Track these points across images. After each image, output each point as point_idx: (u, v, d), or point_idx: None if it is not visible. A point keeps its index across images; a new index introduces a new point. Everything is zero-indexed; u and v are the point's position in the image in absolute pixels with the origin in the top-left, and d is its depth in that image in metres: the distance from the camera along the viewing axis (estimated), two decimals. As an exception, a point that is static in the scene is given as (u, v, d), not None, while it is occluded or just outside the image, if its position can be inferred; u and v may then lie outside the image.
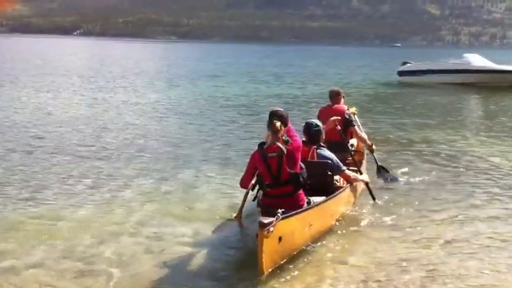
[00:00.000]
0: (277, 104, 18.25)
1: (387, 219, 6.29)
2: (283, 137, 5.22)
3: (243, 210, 5.75)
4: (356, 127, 7.98)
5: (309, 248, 5.27)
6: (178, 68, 38.45)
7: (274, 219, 4.57)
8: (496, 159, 9.79)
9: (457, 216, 6.51)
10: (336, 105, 7.90)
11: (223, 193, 7.35)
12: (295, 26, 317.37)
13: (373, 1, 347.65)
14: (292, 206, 5.15)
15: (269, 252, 4.60)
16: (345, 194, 6.26)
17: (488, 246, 5.51)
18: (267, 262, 4.61)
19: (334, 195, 5.85)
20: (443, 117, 15.96)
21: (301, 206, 5.29)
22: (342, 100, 8.01)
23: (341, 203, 6.21)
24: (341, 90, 8.16)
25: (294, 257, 5.02)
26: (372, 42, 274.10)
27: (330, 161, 6.07)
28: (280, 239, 4.70)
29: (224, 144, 10.77)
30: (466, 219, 6.40)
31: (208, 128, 12.89)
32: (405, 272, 4.84)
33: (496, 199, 7.28)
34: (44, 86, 22.47)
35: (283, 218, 4.69)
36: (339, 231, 5.84)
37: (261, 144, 5.34)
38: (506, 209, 6.82)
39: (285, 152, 5.17)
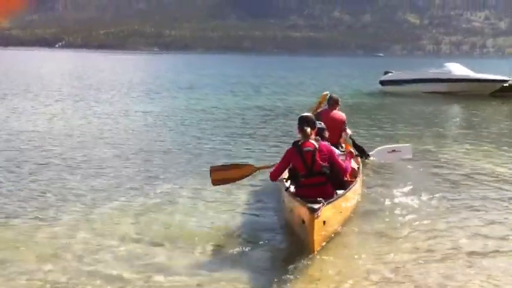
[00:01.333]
0: (257, 115, 18.19)
1: (367, 227, 6.39)
2: (313, 137, 6.22)
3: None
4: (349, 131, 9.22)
5: (340, 231, 6.11)
6: (158, 80, 38.08)
7: (321, 205, 5.31)
8: (479, 166, 9.83)
9: (439, 222, 6.53)
10: (335, 111, 8.99)
11: (202, 207, 7.23)
12: (277, 36, 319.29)
13: (354, 11, 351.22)
14: (324, 195, 5.84)
15: (318, 233, 5.35)
16: (358, 186, 7.11)
17: (468, 256, 5.46)
18: (317, 242, 5.37)
19: (352, 187, 6.63)
20: (425, 126, 15.96)
21: (331, 195, 6.05)
22: (338, 107, 9.13)
23: (356, 193, 7.03)
24: (339, 99, 9.20)
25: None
26: (354, 52, 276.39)
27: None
28: (324, 222, 5.43)
29: (199, 156, 10.61)
30: (448, 227, 6.36)
31: (183, 141, 12.63)
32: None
33: (482, 205, 7.29)
34: (25, 99, 22.13)
35: (326, 205, 5.42)
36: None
37: (296, 142, 6.21)
38: (488, 214, 6.79)
39: (317, 148, 6.11)
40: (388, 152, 8.93)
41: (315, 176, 6.10)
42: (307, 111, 7.69)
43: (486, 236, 6.15)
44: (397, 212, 7.03)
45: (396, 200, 7.52)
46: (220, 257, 5.52)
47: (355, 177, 7.21)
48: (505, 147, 12.02)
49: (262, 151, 11.35)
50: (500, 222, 6.68)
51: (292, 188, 6.31)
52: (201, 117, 17.42)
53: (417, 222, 6.60)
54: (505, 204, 7.52)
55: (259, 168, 7.20)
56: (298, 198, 5.77)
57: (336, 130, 8.59)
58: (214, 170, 7.17)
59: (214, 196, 7.67)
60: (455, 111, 22.18)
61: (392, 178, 8.94)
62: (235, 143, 12.43)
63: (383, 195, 7.76)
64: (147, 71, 53.38)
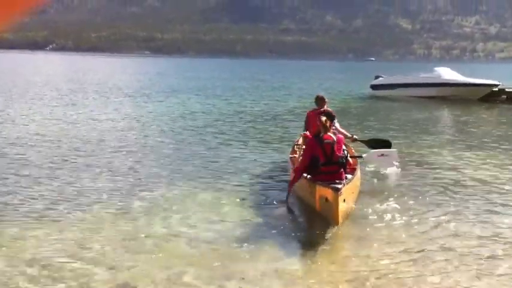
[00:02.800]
0: (244, 118, 18.11)
1: (357, 232, 6.37)
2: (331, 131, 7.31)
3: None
4: (338, 125, 9.28)
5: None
6: (146, 84, 37.72)
7: (342, 186, 6.67)
8: (469, 171, 9.86)
9: (426, 224, 6.51)
10: (323, 109, 9.20)
11: (188, 209, 7.15)
12: (269, 40, 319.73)
13: (346, 16, 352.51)
14: (339, 180, 6.96)
15: (340, 209, 6.51)
16: (359, 173, 8.11)
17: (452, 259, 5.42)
18: (340, 215, 6.51)
19: (357, 173, 7.84)
20: (416, 131, 15.99)
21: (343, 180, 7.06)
22: (326, 104, 9.54)
23: (359, 179, 8.03)
24: (325, 96, 9.79)
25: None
26: (346, 56, 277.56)
27: None
28: (344, 200, 6.63)
29: (181, 161, 10.53)
30: (435, 229, 6.34)
31: (165, 146, 12.53)
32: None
33: (471, 209, 7.25)
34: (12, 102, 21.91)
35: (345, 185, 6.77)
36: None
37: (317, 135, 7.32)
38: (477, 217, 6.76)
39: (336, 140, 7.25)
40: (378, 155, 9.17)
41: (333, 164, 7.20)
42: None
43: (478, 239, 6.16)
44: (387, 217, 6.99)
45: (385, 206, 7.48)
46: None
47: (355, 167, 8.13)
48: (495, 152, 12.04)
49: (242, 156, 11.29)
50: (490, 226, 6.67)
51: (307, 176, 7.34)
52: (175, 123, 17.03)
53: (407, 227, 6.58)
54: (497, 209, 7.50)
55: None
56: (320, 182, 6.97)
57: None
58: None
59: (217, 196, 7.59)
60: (446, 115, 22.23)
61: (382, 183, 8.93)
62: (210, 147, 12.35)
63: (372, 201, 7.72)
64: (137, 74, 52.97)
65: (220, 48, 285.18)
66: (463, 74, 28.37)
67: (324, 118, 7.32)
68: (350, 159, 7.95)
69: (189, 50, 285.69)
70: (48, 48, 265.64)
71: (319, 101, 9.61)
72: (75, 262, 5.40)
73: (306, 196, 7.45)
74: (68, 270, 5.19)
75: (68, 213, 7.05)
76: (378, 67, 78.03)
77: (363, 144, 10.35)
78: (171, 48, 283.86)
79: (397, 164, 9.48)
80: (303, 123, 9.89)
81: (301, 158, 7.70)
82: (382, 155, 9.18)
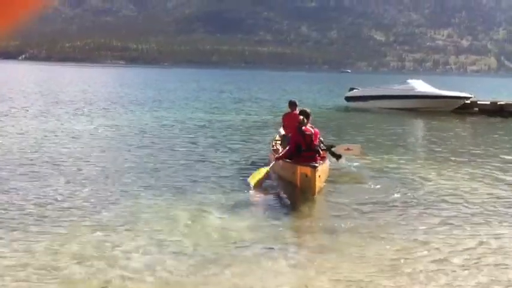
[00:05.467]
0: (218, 129, 17.99)
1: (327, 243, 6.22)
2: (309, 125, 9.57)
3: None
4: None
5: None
6: (113, 94, 37.24)
7: (318, 165, 8.83)
8: (442, 182, 9.90)
9: (397, 238, 6.46)
10: (294, 112, 11.20)
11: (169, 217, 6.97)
12: (245, 51, 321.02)
13: (321, 28, 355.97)
14: (315, 162, 9.04)
15: (317, 182, 8.59)
16: (328, 161, 10.03)
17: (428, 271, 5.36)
18: (317, 187, 8.62)
19: (327, 160, 9.87)
20: (389, 143, 16.03)
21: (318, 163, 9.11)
22: (297, 109, 11.30)
23: (328, 165, 9.91)
24: (296, 101, 12.06)
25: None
26: (321, 68, 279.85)
27: None
28: (319, 176, 8.72)
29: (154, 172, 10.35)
30: (408, 241, 6.30)
31: (130, 156, 12.37)
32: None
33: (442, 221, 7.22)
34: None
35: (320, 165, 8.95)
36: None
37: (300, 128, 9.39)
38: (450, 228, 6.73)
39: (313, 132, 9.48)
40: (344, 149, 11.09)
41: (311, 151, 9.37)
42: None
43: (448, 251, 6.12)
44: (355, 229, 6.94)
45: (354, 219, 7.45)
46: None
47: (325, 156, 10.04)
48: (467, 164, 12.11)
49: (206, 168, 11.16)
50: (459, 238, 6.68)
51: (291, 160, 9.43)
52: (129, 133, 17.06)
53: (376, 240, 6.52)
54: (468, 219, 7.54)
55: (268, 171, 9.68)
56: (301, 163, 9.06)
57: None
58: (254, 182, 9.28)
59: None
60: (418, 127, 22.43)
61: (354, 193, 8.88)
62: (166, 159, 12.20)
63: (341, 215, 7.67)
64: (106, 85, 52.43)
65: (196, 58, 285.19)
66: (435, 87, 28.72)
67: (301, 117, 9.57)
68: (321, 153, 9.79)
69: (164, 60, 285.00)
70: (20, 58, 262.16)
71: (292, 105, 11.88)
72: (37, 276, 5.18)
73: (289, 176, 9.43)
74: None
75: (35, 225, 6.83)
76: (353, 79, 78.87)
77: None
78: (146, 59, 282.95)
79: (362, 157, 11.48)
80: (271, 134, 12.46)
81: (288, 146, 9.78)
82: (348, 148, 11.20)
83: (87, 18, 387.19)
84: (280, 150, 10.40)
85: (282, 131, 11.83)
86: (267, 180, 9.62)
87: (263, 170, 9.59)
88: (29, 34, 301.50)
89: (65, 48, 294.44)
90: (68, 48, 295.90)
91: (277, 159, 9.82)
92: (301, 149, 9.34)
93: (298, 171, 8.91)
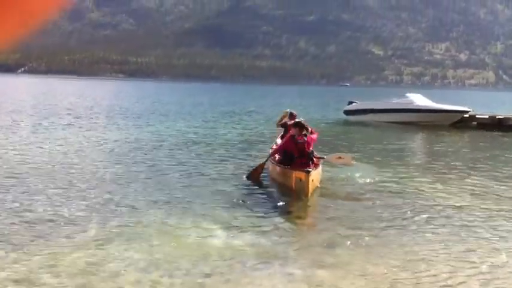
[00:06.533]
0: (214, 144, 17.94)
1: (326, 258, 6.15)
2: (304, 133, 10.45)
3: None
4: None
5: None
6: (112, 107, 37.46)
7: (311, 170, 9.76)
8: (439, 197, 9.81)
9: (396, 254, 6.39)
10: (294, 120, 12.03)
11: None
12: (244, 65, 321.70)
13: (319, 42, 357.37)
14: (309, 168, 9.88)
15: (310, 186, 9.48)
16: (321, 167, 10.83)
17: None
18: (310, 190, 9.49)
19: (319, 166, 10.71)
20: (387, 156, 15.98)
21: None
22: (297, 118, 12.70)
23: (320, 172, 10.71)
24: (295, 113, 13.84)
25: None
26: (319, 82, 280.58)
27: None
28: (312, 180, 9.59)
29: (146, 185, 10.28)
30: (408, 258, 6.24)
31: (124, 169, 12.29)
32: None
33: (438, 235, 7.16)
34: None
35: (313, 170, 9.87)
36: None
37: (293, 136, 10.43)
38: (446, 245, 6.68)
39: (305, 140, 10.32)
40: (336, 157, 12.01)
41: (304, 158, 10.28)
42: (275, 123, 14.49)
43: (448, 265, 6.06)
44: (354, 243, 6.87)
45: (353, 231, 7.39)
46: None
47: (318, 164, 10.79)
48: (465, 178, 12.07)
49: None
50: (458, 252, 6.65)
51: (284, 166, 10.42)
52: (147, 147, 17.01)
53: (375, 254, 6.46)
54: (463, 233, 7.51)
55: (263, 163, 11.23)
56: (295, 169, 9.94)
57: None
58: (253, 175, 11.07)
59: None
60: (417, 141, 22.41)
61: (353, 209, 8.84)
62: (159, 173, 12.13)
63: (341, 232, 7.61)
64: (102, 98, 52.46)
65: (195, 72, 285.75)
66: (434, 100, 28.75)
67: (297, 128, 10.55)
68: (315, 159, 10.73)
69: (163, 74, 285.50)
70: (19, 71, 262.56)
71: (290, 116, 13.64)
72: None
73: (285, 180, 10.31)
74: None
75: (31, 241, 6.75)
76: (352, 92, 79.00)
77: (333, 168, 11.82)
78: (145, 72, 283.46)
79: (350, 165, 12.16)
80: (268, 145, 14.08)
81: (278, 148, 11.14)
82: (340, 157, 12.09)
83: (87, 32, 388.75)
84: (275, 146, 12.15)
85: (279, 140, 13.20)
86: (265, 190, 10.47)
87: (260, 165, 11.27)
88: (29, 47, 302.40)
89: (65, 62, 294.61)
90: (67, 62, 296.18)
91: (272, 154, 11.32)
92: (293, 156, 10.28)
93: (293, 176, 9.83)
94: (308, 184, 9.41)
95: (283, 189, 10.21)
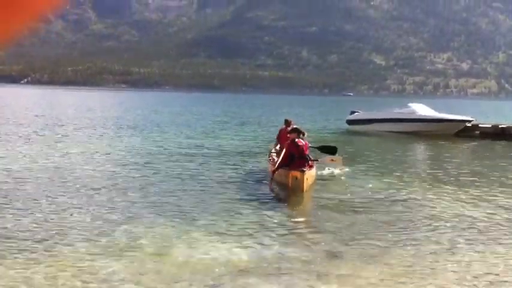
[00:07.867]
0: (220, 153, 17.91)
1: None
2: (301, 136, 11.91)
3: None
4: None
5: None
6: (113, 119, 37.50)
7: (307, 170, 11.24)
8: (442, 207, 9.77)
9: (398, 262, 6.36)
10: (291, 127, 13.24)
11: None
12: (246, 75, 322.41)
13: (321, 52, 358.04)
14: (304, 168, 11.30)
15: (305, 183, 10.93)
16: (315, 169, 12.30)
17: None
18: (305, 187, 10.91)
19: (314, 168, 12.18)
20: (390, 165, 15.95)
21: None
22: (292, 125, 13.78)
23: (314, 172, 12.17)
24: (291, 120, 14.81)
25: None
26: (321, 91, 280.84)
27: None
28: (307, 178, 11.04)
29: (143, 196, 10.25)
30: (406, 271, 6.19)
31: (126, 180, 12.29)
32: None
33: (441, 246, 7.12)
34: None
35: (308, 170, 11.31)
36: None
37: (293, 140, 11.71)
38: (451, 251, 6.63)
39: (304, 143, 11.82)
40: (329, 160, 13.51)
41: (302, 159, 11.62)
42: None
43: (451, 276, 6.01)
44: (357, 253, 6.83)
45: (357, 239, 7.35)
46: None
47: (313, 166, 12.19)
48: (468, 188, 12.00)
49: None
50: (461, 262, 6.61)
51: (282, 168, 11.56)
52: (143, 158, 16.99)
53: (376, 263, 6.40)
54: (466, 244, 7.45)
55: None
56: (292, 169, 11.18)
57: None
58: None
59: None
60: (420, 151, 22.35)
61: (355, 219, 8.81)
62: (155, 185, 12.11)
63: (342, 243, 7.58)
64: (102, 108, 52.56)
65: (197, 82, 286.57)
66: (436, 110, 28.72)
67: (295, 132, 11.98)
68: (310, 162, 12.02)
69: (166, 84, 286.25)
70: (22, 82, 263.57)
71: (286, 122, 14.73)
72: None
73: (283, 179, 11.49)
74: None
75: (33, 252, 6.72)
76: (354, 102, 79.01)
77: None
78: (148, 82, 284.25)
79: (342, 167, 13.62)
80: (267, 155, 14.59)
81: (282, 156, 11.81)
82: (332, 160, 13.55)
83: (90, 42, 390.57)
84: (276, 160, 12.53)
85: (273, 150, 14.39)
86: (265, 198, 10.81)
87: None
88: (32, 58, 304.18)
89: (68, 72, 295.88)
90: (71, 72, 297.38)
91: (273, 172, 11.82)
92: (294, 157, 11.58)
93: (290, 175, 11.05)
94: (303, 181, 10.88)
95: (283, 192, 11.19)
